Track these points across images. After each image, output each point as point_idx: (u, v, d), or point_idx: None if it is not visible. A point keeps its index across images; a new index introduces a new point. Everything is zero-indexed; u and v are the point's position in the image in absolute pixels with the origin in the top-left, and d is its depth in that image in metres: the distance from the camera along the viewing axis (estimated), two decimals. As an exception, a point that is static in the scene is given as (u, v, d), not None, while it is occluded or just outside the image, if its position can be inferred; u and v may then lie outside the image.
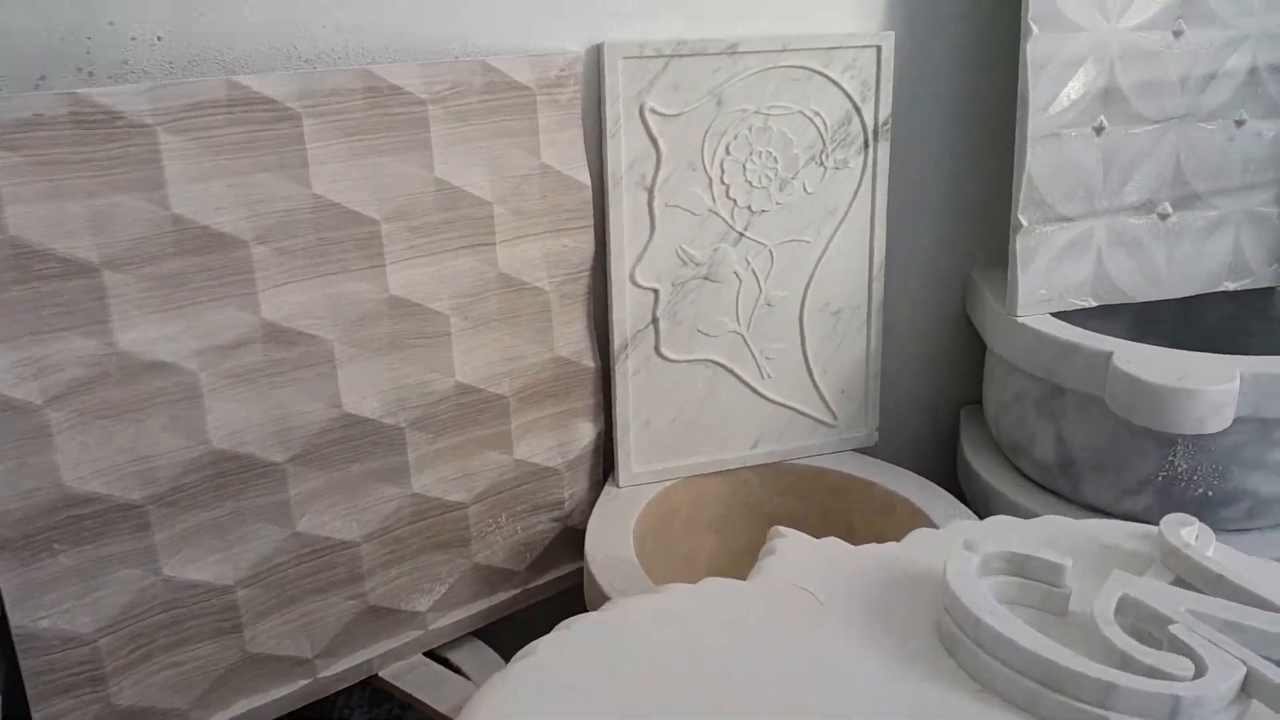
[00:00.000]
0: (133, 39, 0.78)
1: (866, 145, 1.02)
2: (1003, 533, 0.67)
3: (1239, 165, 1.02)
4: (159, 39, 0.79)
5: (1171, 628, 0.55)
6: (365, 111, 0.81)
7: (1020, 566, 0.62)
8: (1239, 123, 1.02)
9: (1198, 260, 1.03)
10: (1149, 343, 1.13)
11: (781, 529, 0.71)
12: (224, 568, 0.82)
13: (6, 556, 0.72)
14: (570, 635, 0.61)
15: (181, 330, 0.76)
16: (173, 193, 0.74)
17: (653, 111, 0.94)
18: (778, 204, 1.01)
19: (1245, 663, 0.52)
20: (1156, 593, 0.58)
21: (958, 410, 1.23)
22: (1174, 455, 0.89)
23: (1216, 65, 0.99)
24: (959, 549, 0.61)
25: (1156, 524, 0.95)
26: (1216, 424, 0.82)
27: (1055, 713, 0.52)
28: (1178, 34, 0.97)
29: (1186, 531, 0.64)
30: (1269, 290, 1.08)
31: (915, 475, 1.04)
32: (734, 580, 0.65)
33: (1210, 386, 0.81)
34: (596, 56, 0.94)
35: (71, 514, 0.74)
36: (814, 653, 0.59)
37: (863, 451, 1.11)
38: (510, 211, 0.91)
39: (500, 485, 0.97)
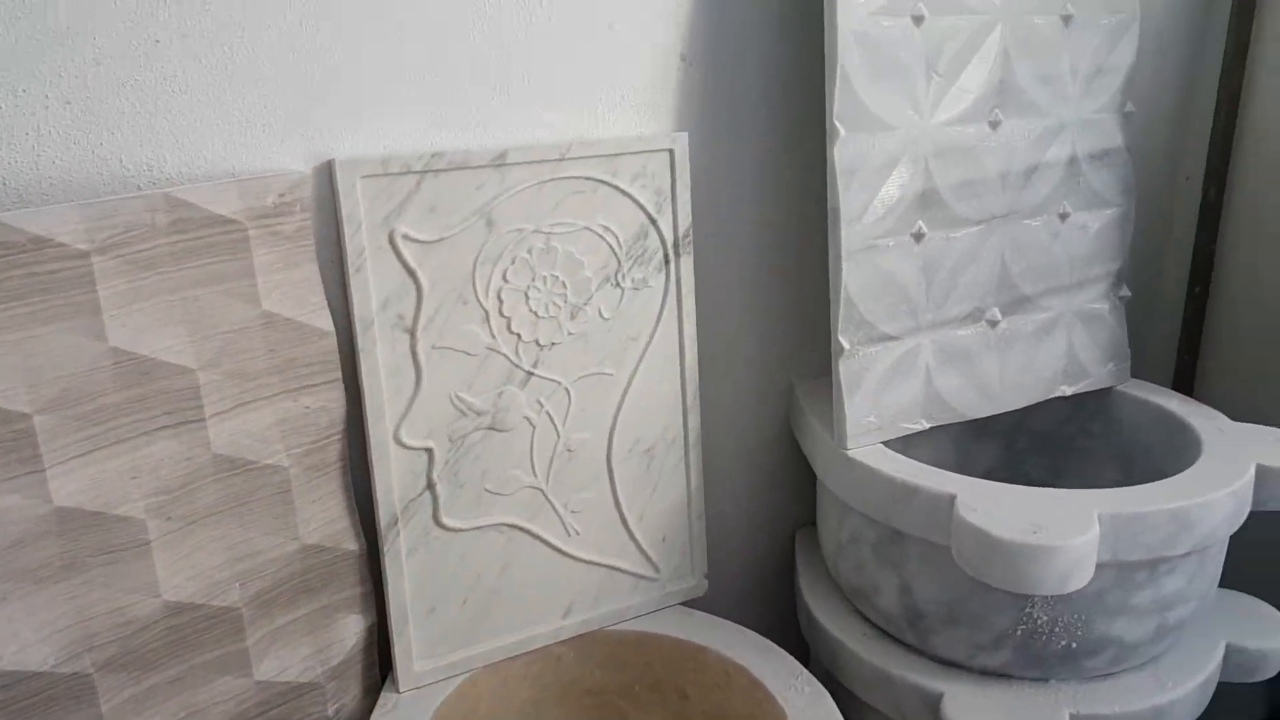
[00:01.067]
0: None
1: (667, 260, 0.89)
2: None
3: (1066, 262, 0.94)
4: None
5: None
6: (-4, 274, 0.61)
7: None
8: (1063, 216, 0.94)
9: (1031, 367, 0.94)
10: (985, 448, 1.04)
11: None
12: None
13: None
14: None
15: None
16: None
17: (406, 239, 0.78)
18: (570, 334, 0.86)
19: None
20: None
21: (794, 534, 1.10)
22: (1032, 608, 0.78)
23: (1036, 157, 0.91)
24: None
25: (1016, 678, 0.85)
26: (1079, 580, 0.71)
27: None
28: (995, 125, 0.88)
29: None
30: (1106, 390, 1.00)
31: (752, 634, 0.91)
32: None
33: (1069, 540, 0.69)
34: (328, 175, 0.76)
35: None
36: None
37: (691, 604, 0.96)
38: (224, 376, 0.72)
39: (239, 717, 0.76)
